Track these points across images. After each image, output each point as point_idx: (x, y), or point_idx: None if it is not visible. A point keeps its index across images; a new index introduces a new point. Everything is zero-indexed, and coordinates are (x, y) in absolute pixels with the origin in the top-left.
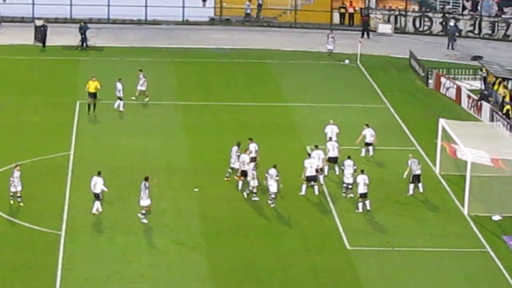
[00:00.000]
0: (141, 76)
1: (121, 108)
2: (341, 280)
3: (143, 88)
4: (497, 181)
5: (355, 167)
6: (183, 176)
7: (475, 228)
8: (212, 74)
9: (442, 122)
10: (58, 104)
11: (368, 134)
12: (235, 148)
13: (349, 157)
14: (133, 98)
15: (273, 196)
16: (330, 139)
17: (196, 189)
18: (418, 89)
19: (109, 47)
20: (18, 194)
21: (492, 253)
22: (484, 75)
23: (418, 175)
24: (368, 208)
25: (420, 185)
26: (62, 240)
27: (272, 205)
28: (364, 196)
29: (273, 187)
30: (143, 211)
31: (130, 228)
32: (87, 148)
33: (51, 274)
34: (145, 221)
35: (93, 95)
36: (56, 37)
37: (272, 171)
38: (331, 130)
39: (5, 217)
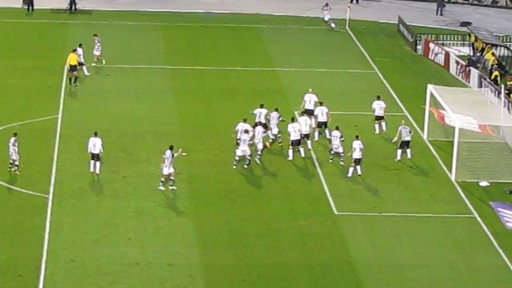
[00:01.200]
0: (96, 41)
1: (86, 73)
2: (328, 245)
3: (98, 53)
4: (484, 147)
5: (342, 138)
6: (171, 140)
7: (462, 194)
8: (201, 39)
9: (430, 88)
10: (46, 67)
11: (377, 107)
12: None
13: (337, 128)
14: (93, 64)
15: (259, 153)
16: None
17: (184, 154)
18: (407, 55)
19: (98, 10)
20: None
21: (479, 219)
22: (472, 41)
23: (408, 142)
24: (359, 172)
25: (408, 151)
26: (50, 204)
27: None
28: (358, 161)
29: (260, 144)
30: (162, 179)
31: (118, 192)
32: (75, 111)
33: (39, 237)
34: (161, 188)
35: (74, 68)
36: (44, 0)
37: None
38: (310, 98)
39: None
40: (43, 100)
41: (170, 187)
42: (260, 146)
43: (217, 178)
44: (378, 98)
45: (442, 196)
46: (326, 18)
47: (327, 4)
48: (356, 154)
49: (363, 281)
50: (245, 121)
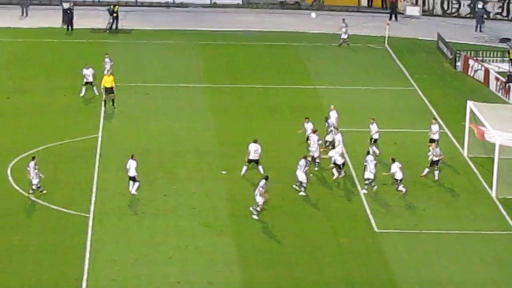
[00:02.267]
0: (107, 60)
1: (95, 92)
2: (369, 263)
3: (108, 74)
4: None
5: (375, 162)
6: (211, 158)
7: (503, 210)
8: (240, 57)
9: (470, 104)
10: (86, 87)
11: (373, 130)
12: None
13: (368, 153)
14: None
15: (303, 185)
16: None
17: (224, 172)
18: (446, 72)
19: (137, 29)
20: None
21: None
22: None
23: (436, 161)
24: (403, 190)
25: (436, 172)
26: (90, 223)
27: (301, 194)
28: (400, 181)
29: (301, 176)
30: (257, 208)
31: (158, 210)
32: (115, 130)
33: (80, 256)
34: (255, 217)
35: (110, 90)
36: (84, 20)
37: (302, 162)
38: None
39: (34, 200)
40: (83, 119)
41: (252, 216)
42: (316, 154)
43: None
44: (373, 120)
45: (483, 213)
46: (343, 36)
47: (343, 20)
48: (399, 175)
49: None
50: (255, 141)
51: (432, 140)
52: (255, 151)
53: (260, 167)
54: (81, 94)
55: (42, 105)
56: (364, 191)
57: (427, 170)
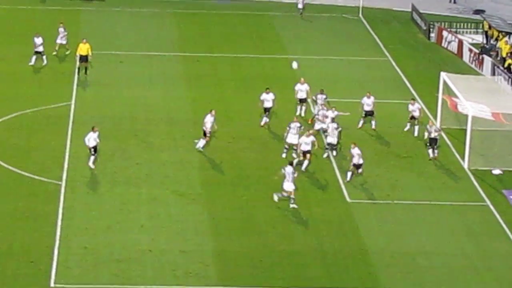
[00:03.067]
0: (61, 29)
1: (44, 62)
2: (341, 232)
3: (64, 42)
4: (497, 135)
5: (339, 129)
6: (184, 127)
7: (475, 182)
8: (214, 26)
9: (443, 75)
10: (59, 54)
11: (366, 103)
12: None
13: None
14: (54, 53)
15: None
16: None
17: (197, 140)
18: (420, 43)
19: None
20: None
21: (491, 207)
22: (485, 29)
23: (435, 139)
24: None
25: (434, 150)
26: (63, 190)
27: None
28: (359, 166)
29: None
30: (284, 194)
31: (130, 179)
32: (88, 98)
33: (52, 223)
34: (294, 206)
35: (85, 58)
36: None
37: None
38: (301, 88)
39: (6, 167)
40: (56, 86)
41: (291, 205)
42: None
43: (230, 164)
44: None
45: (455, 184)
46: (299, 6)
47: None
48: (356, 160)
49: (376, 268)
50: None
51: (412, 117)
52: (211, 122)
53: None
54: (31, 63)
55: (15, 72)
56: (325, 154)
57: (430, 150)
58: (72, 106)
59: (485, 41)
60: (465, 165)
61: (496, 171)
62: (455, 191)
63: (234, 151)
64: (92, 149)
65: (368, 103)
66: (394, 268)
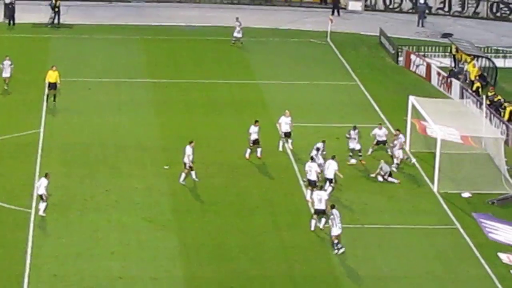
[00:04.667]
0: (7, 62)
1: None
2: (311, 257)
3: (8, 75)
4: (466, 158)
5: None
6: (153, 153)
7: (444, 205)
8: (182, 52)
9: (412, 99)
10: (27, 82)
11: (283, 122)
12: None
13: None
14: (5, 87)
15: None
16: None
17: (167, 167)
18: (388, 67)
19: (79, 24)
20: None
21: (461, 230)
22: (453, 53)
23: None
24: (322, 227)
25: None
26: (32, 218)
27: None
28: (321, 212)
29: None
30: (335, 241)
31: (100, 205)
32: (57, 125)
33: (21, 251)
34: (342, 250)
35: (53, 86)
36: (26, 14)
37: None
38: (284, 122)
39: None
40: (25, 114)
41: (339, 251)
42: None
43: (199, 190)
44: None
45: (425, 207)
46: (236, 34)
47: (237, 19)
48: (317, 205)
49: None
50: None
51: (379, 142)
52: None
53: (193, 173)
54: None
55: None
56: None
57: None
58: (41, 134)
59: (453, 65)
60: (435, 189)
61: (466, 194)
62: (425, 215)
63: (204, 177)
64: (43, 196)
65: (380, 134)
66: None
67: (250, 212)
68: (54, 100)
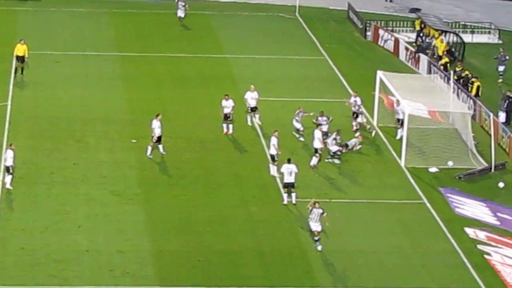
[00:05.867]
0: None
1: None
2: (279, 232)
3: None
4: (434, 133)
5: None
6: (121, 127)
7: (411, 180)
8: (150, 26)
9: (380, 74)
10: None
11: (249, 98)
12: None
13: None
14: None
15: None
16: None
17: (134, 140)
18: (356, 41)
19: None
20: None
21: (428, 205)
22: (418, 28)
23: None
24: (294, 201)
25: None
26: None
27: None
28: (291, 186)
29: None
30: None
31: (67, 179)
32: (25, 98)
33: None
34: (319, 248)
35: (22, 59)
36: None
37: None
38: (250, 97)
39: None
40: None
41: (317, 247)
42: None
43: (167, 164)
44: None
45: (392, 182)
46: (179, 14)
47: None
48: (286, 179)
49: (313, 267)
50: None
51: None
52: (159, 127)
53: (160, 146)
54: None
55: None
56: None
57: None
58: (9, 107)
59: (418, 40)
60: (402, 163)
61: (433, 169)
62: (391, 189)
63: (172, 151)
64: (10, 168)
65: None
66: (331, 267)
67: (218, 186)
68: (22, 73)
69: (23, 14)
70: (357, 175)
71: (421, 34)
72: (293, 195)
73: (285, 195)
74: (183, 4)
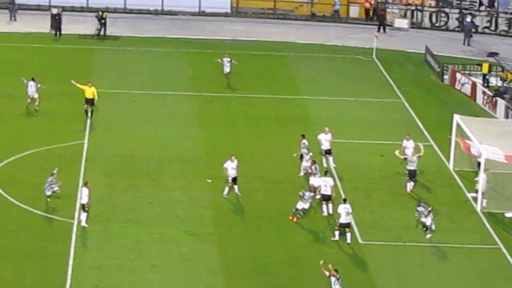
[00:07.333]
0: (32, 83)
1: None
2: (353, 274)
3: (36, 96)
4: (510, 178)
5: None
6: (196, 166)
7: (487, 224)
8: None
9: (456, 117)
10: (73, 92)
11: (323, 139)
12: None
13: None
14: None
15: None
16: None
17: (209, 180)
18: (433, 84)
19: (125, 36)
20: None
21: (504, 250)
22: (485, 72)
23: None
24: (349, 241)
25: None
26: (75, 229)
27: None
28: (347, 226)
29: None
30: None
31: (142, 218)
32: (101, 136)
33: (63, 262)
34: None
35: (91, 101)
36: (73, 26)
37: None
38: (324, 139)
39: (18, 205)
40: (70, 125)
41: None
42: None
43: (242, 205)
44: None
45: (468, 227)
46: (227, 70)
47: (227, 53)
48: (343, 219)
49: None
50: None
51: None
52: (233, 168)
53: (236, 187)
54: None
55: (29, 110)
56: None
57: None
58: (85, 145)
59: (499, 84)
60: (478, 208)
61: (509, 214)
62: (467, 234)
63: (246, 191)
64: (85, 206)
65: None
66: None
67: (292, 228)
68: (91, 116)
69: (100, 53)
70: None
71: (487, 77)
72: (348, 235)
73: (337, 232)
74: (229, 60)
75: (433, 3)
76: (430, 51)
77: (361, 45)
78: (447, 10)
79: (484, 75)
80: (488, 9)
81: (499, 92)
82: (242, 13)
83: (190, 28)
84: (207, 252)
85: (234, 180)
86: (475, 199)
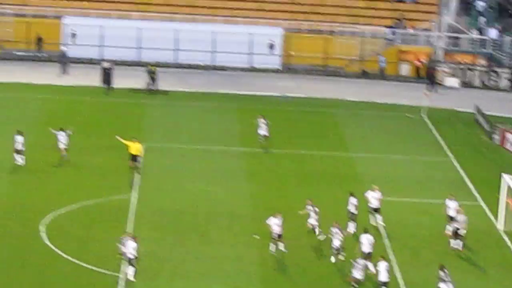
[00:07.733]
0: (64, 134)
1: (20, 162)
2: None
3: (65, 147)
4: None
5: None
6: (244, 222)
7: None
8: (276, 122)
9: (506, 178)
10: (122, 146)
11: (371, 197)
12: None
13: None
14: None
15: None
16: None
17: (257, 236)
18: (483, 144)
19: (175, 91)
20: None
21: None
22: None
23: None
24: (373, 270)
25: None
26: (122, 283)
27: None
28: (369, 255)
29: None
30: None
31: (190, 272)
32: (150, 190)
33: None
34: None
35: (135, 158)
36: (123, 80)
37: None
38: (373, 197)
39: (66, 257)
40: (118, 178)
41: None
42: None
43: (289, 262)
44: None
45: None
46: (261, 132)
47: (263, 116)
48: (366, 248)
49: None
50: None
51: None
52: (278, 225)
53: (281, 244)
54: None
55: (78, 162)
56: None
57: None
58: (133, 198)
59: None
60: None
61: None
62: None
63: (294, 248)
64: (133, 260)
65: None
66: None
67: (339, 286)
68: (137, 172)
69: (150, 108)
70: (480, 279)
71: None
72: (370, 265)
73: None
74: (264, 122)
75: (484, 63)
76: (480, 110)
77: (410, 104)
78: (498, 69)
79: None
80: None
81: None
82: (293, 70)
83: (240, 84)
84: None
85: (279, 236)
86: None
